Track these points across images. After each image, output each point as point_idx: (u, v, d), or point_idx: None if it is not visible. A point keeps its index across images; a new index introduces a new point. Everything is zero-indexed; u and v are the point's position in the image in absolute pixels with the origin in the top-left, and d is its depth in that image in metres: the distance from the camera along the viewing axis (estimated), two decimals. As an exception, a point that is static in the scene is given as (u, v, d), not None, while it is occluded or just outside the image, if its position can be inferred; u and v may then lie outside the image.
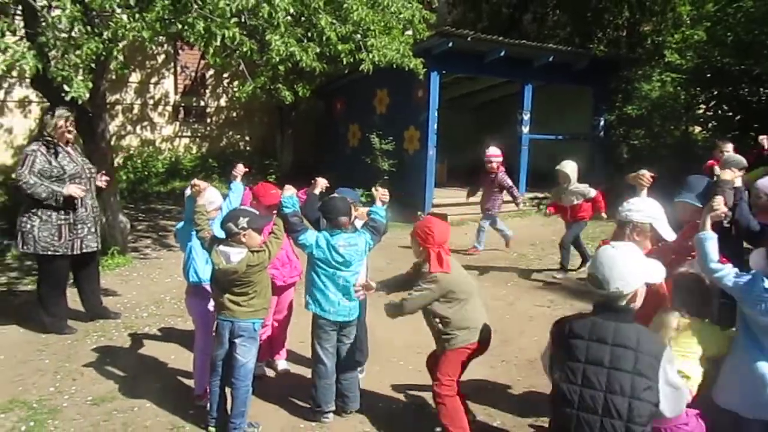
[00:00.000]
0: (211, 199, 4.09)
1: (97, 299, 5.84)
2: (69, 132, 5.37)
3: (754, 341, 2.87)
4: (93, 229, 5.47)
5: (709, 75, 12.03)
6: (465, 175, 13.66)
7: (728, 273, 2.89)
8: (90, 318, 5.71)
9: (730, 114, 12.19)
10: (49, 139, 5.28)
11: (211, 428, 3.82)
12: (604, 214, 7.33)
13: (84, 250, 5.42)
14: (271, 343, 4.68)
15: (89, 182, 5.48)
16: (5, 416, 3.97)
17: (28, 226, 5.24)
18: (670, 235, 3.19)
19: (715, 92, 12.32)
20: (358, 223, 4.31)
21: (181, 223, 4.24)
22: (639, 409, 2.34)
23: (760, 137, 7.38)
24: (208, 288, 3.98)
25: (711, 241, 2.94)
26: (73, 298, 5.75)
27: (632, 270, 2.46)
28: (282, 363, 4.79)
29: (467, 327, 3.64)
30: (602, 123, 13.47)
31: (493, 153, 8.71)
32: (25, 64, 4.55)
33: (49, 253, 5.27)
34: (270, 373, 4.72)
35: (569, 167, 7.33)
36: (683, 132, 13.59)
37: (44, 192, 5.16)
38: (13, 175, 11.31)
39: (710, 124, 12.88)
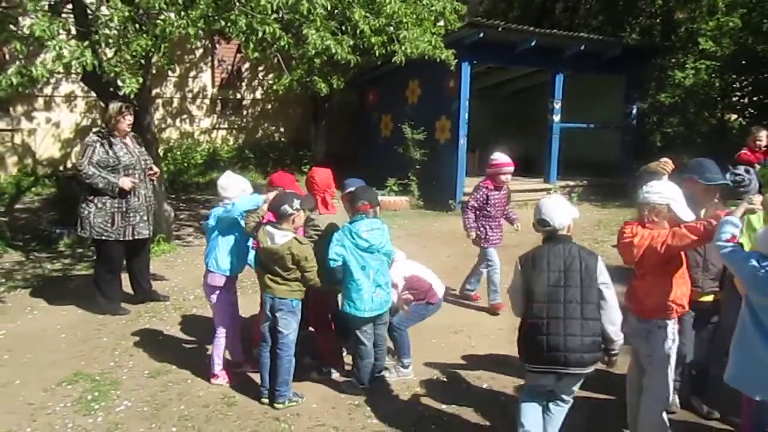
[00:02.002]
0: (243, 187, 4.41)
1: (147, 283, 6.19)
2: (126, 124, 5.71)
3: (757, 322, 2.98)
4: (145, 218, 5.82)
5: (744, 62, 11.93)
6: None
7: (726, 246, 3.01)
8: (140, 300, 6.07)
9: (766, 101, 12.08)
10: (107, 130, 5.67)
11: (264, 399, 4.12)
12: None
13: (136, 237, 5.78)
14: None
15: (143, 173, 5.82)
16: (72, 387, 4.33)
17: (86, 212, 5.65)
18: (688, 215, 3.34)
19: (751, 79, 12.22)
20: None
21: (212, 220, 4.48)
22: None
23: None
24: (221, 278, 4.39)
25: (731, 226, 3.05)
26: (124, 282, 6.12)
27: (564, 212, 3.34)
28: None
29: None
30: (635, 111, 13.45)
31: None
32: (83, 61, 4.87)
33: (103, 237, 5.66)
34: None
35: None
36: (719, 120, 13.49)
37: (101, 182, 5.55)
38: (61, 167, 11.87)
39: (747, 112, 12.78)
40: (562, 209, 3.36)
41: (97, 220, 5.62)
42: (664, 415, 3.50)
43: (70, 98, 12.21)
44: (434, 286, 4.67)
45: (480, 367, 4.72)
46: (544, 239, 3.41)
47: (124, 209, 5.66)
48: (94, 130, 5.81)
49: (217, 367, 4.42)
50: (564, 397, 3.42)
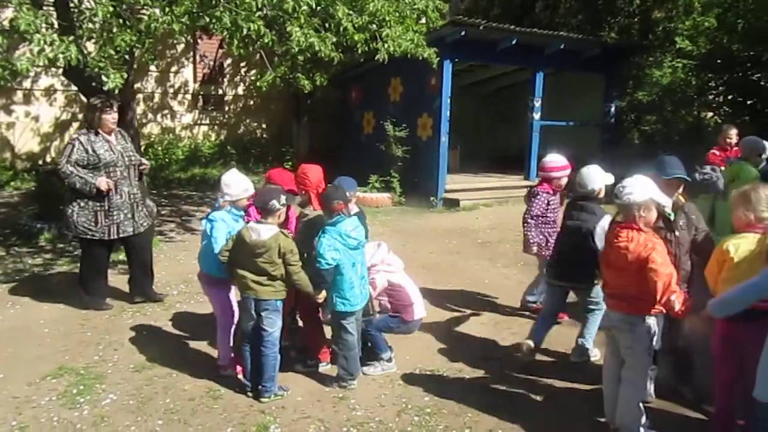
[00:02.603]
0: (245, 186, 4.42)
1: (147, 279, 6.09)
2: (110, 121, 5.61)
3: None
4: (130, 215, 5.70)
5: (719, 61, 12.16)
6: (477, 160, 13.96)
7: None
8: (138, 300, 5.96)
9: (741, 99, 12.34)
10: (89, 128, 5.59)
11: (249, 393, 4.17)
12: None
13: (121, 235, 5.70)
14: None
15: (127, 170, 5.69)
16: (57, 381, 4.34)
17: (69, 211, 5.59)
18: (665, 200, 3.52)
19: (726, 78, 12.46)
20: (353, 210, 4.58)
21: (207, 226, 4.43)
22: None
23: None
24: (215, 279, 4.38)
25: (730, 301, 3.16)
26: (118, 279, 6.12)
27: (597, 178, 4.64)
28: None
29: None
30: (613, 109, 13.65)
31: None
32: (68, 56, 4.87)
33: (88, 236, 5.61)
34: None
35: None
36: (695, 117, 13.74)
37: (78, 182, 5.45)
38: (41, 161, 11.77)
39: (722, 110, 13.03)
40: (594, 176, 4.66)
41: (80, 219, 5.56)
42: (641, 403, 3.63)
43: (49, 92, 12.13)
44: (415, 307, 4.79)
45: (461, 360, 4.81)
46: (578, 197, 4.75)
47: (106, 208, 5.57)
48: (81, 129, 5.71)
49: (227, 359, 4.47)
50: (587, 306, 4.81)
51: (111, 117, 5.63)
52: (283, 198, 4.04)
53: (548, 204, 5.42)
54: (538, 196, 5.41)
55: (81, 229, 5.59)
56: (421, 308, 4.89)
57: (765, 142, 6.02)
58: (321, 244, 4.11)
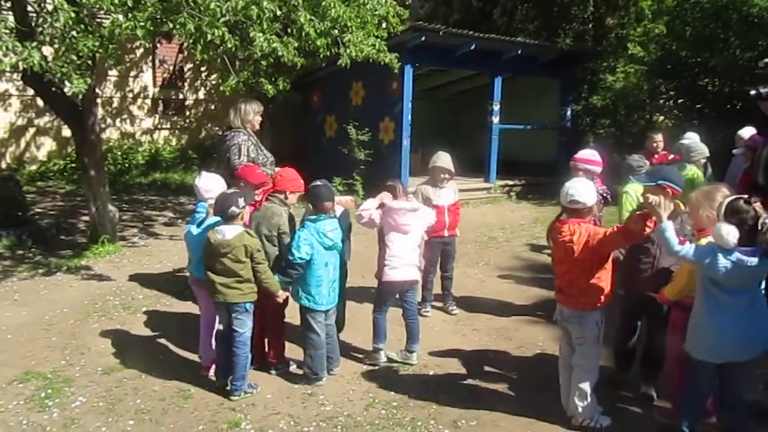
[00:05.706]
0: (222, 184, 4.52)
1: None
2: (259, 121, 5.66)
3: (711, 297, 3.36)
4: None
5: (669, 67, 12.63)
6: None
7: (690, 249, 3.36)
8: None
9: (690, 104, 12.83)
10: (249, 129, 5.56)
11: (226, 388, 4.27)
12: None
13: None
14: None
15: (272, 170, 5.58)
16: (24, 386, 4.34)
17: None
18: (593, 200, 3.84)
19: (676, 83, 12.95)
20: (339, 210, 4.72)
21: (193, 227, 4.50)
22: None
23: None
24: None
25: (670, 230, 3.41)
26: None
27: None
28: None
29: None
30: (569, 113, 14.04)
31: None
32: (31, 62, 4.86)
33: None
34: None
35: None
36: (647, 121, 14.23)
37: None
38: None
39: (672, 114, 13.53)
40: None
41: None
42: (593, 396, 3.84)
43: (4, 97, 11.89)
44: (387, 269, 4.69)
45: (425, 356, 4.96)
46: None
47: None
48: (239, 131, 5.55)
49: (208, 360, 4.52)
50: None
51: (261, 117, 5.69)
52: (241, 201, 4.10)
53: None
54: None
55: None
56: (398, 274, 4.71)
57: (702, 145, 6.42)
58: (298, 237, 4.24)
